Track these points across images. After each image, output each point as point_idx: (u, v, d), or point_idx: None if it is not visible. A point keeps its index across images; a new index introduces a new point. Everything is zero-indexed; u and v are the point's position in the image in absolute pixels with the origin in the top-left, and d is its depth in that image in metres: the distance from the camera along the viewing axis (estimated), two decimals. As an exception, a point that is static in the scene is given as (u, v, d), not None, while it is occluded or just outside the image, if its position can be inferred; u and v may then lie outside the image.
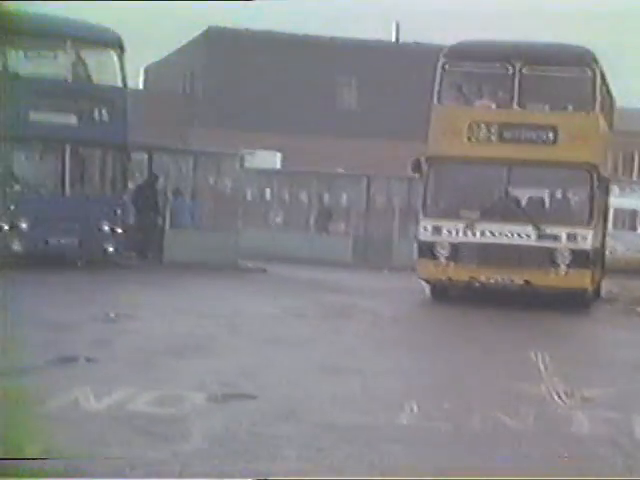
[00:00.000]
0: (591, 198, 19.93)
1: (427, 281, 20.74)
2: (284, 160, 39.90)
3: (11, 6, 18.84)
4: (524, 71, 19.97)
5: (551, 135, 19.97)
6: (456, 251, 19.89)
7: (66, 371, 11.57)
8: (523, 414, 10.21)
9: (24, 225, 21.78)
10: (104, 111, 23.23)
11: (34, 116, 21.98)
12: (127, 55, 23.98)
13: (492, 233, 19.80)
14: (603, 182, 20.37)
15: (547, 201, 21.55)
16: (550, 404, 10.92)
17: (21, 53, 23.55)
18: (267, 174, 35.42)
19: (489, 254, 19.71)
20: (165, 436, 8.94)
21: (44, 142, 22.82)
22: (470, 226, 19.83)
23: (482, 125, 20.17)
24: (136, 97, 29.01)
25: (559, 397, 11.18)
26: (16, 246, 21.66)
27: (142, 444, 8.66)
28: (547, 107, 20.95)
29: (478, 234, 19.87)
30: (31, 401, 9.77)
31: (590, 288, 20.29)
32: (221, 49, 45.81)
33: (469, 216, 19.98)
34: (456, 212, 20.25)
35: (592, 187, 19.79)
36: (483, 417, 10.02)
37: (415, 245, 21.21)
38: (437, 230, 20.08)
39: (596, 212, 20.23)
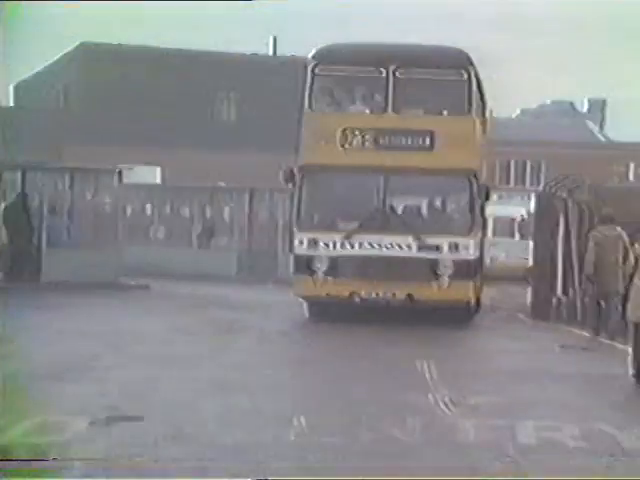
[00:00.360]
0: (471, 206, 19.24)
1: (305, 298, 19.53)
2: (164, 175, 39.60)
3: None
4: (398, 74, 19.12)
5: (428, 141, 19.16)
6: (334, 265, 18.85)
7: None
8: (410, 425, 10.24)
9: None
10: None
11: None
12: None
13: (371, 245, 18.85)
14: (482, 189, 19.41)
15: (427, 210, 20.58)
16: (437, 414, 10.98)
17: None
18: (147, 189, 35.04)
19: (369, 267, 18.79)
20: (44, 467, 8.72)
21: None
22: (347, 238, 18.87)
23: (356, 131, 19.18)
24: (7, 114, 28.39)
25: (446, 406, 11.25)
26: None
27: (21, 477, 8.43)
28: (423, 112, 20.01)
29: (357, 246, 18.90)
30: None
31: (473, 299, 19.66)
32: (94, 64, 45.35)
33: (346, 227, 19.14)
34: (332, 224, 19.40)
35: (472, 194, 19.09)
36: (371, 430, 10.00)
37: (291, 260, 20.09)
38: (313, 243, 18.96)
39: (477, 220, 19.47)
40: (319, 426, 10.08)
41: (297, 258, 19.31)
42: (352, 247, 18.88)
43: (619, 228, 18.05)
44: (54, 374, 12.96)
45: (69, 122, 45.08)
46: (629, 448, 9.57)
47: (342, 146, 19.09)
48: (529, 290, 22.34)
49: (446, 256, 18.69)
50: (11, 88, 51.36)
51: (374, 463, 8.41)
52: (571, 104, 66.11)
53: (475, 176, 19.05)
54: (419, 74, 19.65)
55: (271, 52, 51.48)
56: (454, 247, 18.75)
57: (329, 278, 18.83)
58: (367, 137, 19.15)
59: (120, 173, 27.97)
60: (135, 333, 17.23)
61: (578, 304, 19.47)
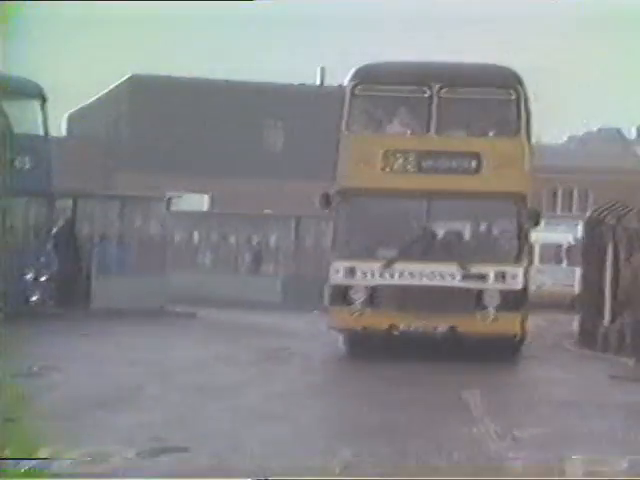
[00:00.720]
0: (519, 232, 17.85)
1: (341, 331, 18.38)
2: (212, 202, 39.78)
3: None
4: (442, 94, 17.99)
5: (473, 163, 17.90)
6: (372, 296, 17.59)
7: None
8: (456, 457, 10.14)
9: None
10: (26, 159, 23.24)
11: None
12: (49, 103, 24.15)
13: (412, 274, 17.52)
14: (532, 214, 18.03)
15: (471, 236, 19.30)
16: (483, 445, 10.87)
17: None
18: (195, 217, 35.34)
19: (409, 298, 17.43)
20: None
21: None
22: (387, 267, 17.58)
23: (397, 154, 18.03)
24: (59, 144, 28.67)
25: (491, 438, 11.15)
26: None
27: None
28: (468, 133, 18.87)
29: (397, 275, 17.60)
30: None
31: (520, 332, 18.02)
32: (144, 95, 45.67)
33: (386, 255, 17.85)
34: (371, 251, 18.17)
35: (519, 220, 17.74)
36: (418, 460, 9.92)
37: (326, 290, 18.53)
38: (350, 272, 17.68)
39: (524, 248, 18.09)
40: (364, 456, 10.03)
41: (333, 288, 18.06)
42: (392, 276, 17.66)
43: None
44: (100, 403, 12.97)
45: (119, 151, 45.46)
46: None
47: (382, 169, 18.01)
48: (576, 318, 22.10)
49: (492, 286, 17.37)
50: (65, 117, 52.02)
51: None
52: (618, 131, 65.56)
53: (523, 200, 17.78)
54: (464, 94, 18.62)
55: (318, 82, 51.56)
56: (501, 276, 17.41)
57: (367, 309, 17.58)
58: (409, 159, 18.06)
59: (169, 201, 28.38)
60: (181, 362, 17.25)
61: (627, 333, 19.21)
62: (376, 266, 17.59)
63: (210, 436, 11.14)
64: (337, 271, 17.83)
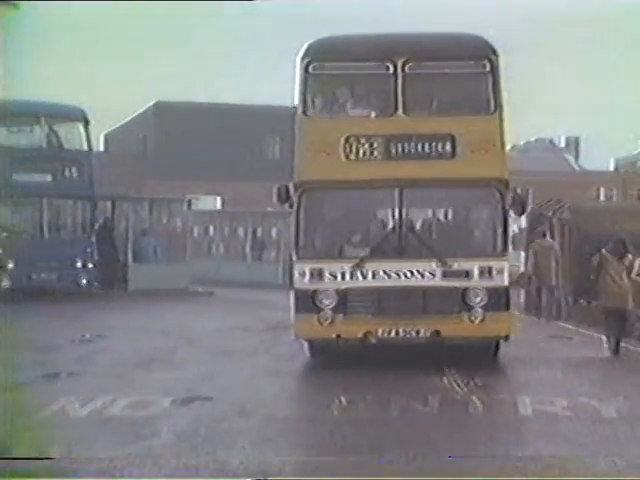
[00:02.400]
0: (504, 222, 13.03)
1: (311, 341, 13.16)
2: (223, 203, 39.94)
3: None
4: (408, 69, 13.29)
5: (448, 147, 13.11)
6: (344, 300, 12.67)
7: (52, 384, 11.37)
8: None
9: (11, 265, 21.89)
10: (74, 169, 23.61)
11: (16, 176, 22.23)
12: (91, 125, 24.39)
13: (387, 274, 12.72)
14: (517, 200, 13.24)
15: (451, 229, 14.22)
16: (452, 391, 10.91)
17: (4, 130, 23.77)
18: (210, 214, 35.43)
19: (386, 301, 12.70)
20: (137, 435, 8.78)
21: (25, 197, 22.84)
22: (359, 267, 12.67)
23: (361, 139, 13.13)
24: (99, 158, 28.91)
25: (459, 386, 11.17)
26: (4, 283, 21.69)
27: (120, 443, 8.48)
28: (439, 113, 13.88)
29: (370, 276, 12.73)
30: (27, 411, 9.57)
31: (510, 334, 13.02)
32: (167, 117, 45.97)
33: (356, 254, 12.92)
34: (340, 250, 13.18)
35: (503, 208, 12.99)
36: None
37: (291, 297, 13.19)
38: (318, 274, 12.75)
39: (508, 239, 13.33)
40: (356, 402, 10.11)
41: (298, 293, 12.85)
42: (364, 277, 12.75)
43: (551, 240, 19.49)
44: (140, 364, 13.04)
45: (147, 163, 45.64)
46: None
47: (346, 157, 13.02)
48: (522, 292, 22.12)
49: (477, 283, 12.67)
50: (102, 136, 52.07)
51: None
52: (551, 141, 65.80)
53: (506, 186, 13.06)
54: (433, 68, 13.80)
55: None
56: (487, 272, 12.75)
57: (339, 316, 12.67)
58: (375, 145, 13.13)
59: (189, 202, 28.50)
60: (204, 331, 17.26)
61: (562, 303, 19.35)
62: (346, 267, 12.74)
63: (230, 388, 11.17)
64: (302, 274, 12.80)
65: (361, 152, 13.07)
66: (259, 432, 8.89)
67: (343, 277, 12.69)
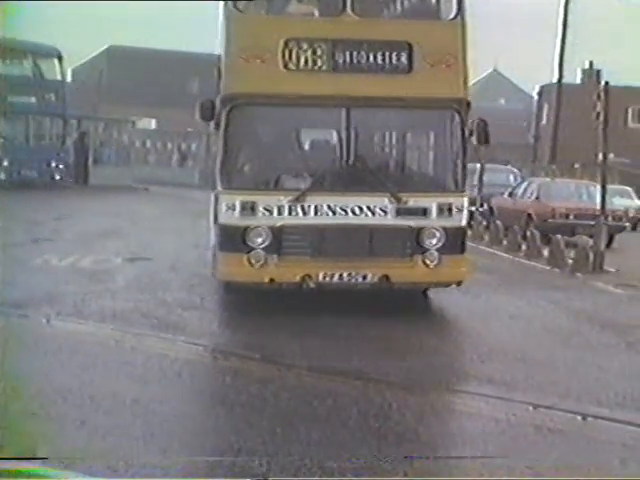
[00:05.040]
0: (464, 152, 7.99)
1: (239, 285, 8.03)
2: (157, 123, 39.58)
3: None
4: None
5: (404, 58, 7.87)
6: (279, 239, 7.76)
7: (38, 246, 11.58)
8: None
9: (5, 163, 22.26)
10: (51, 94, 23.66)
11: (10, 98, 22.24)
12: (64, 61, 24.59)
13: (331, 210, 7.79)
14: (480, 126, 8.01)
15: (405, 159, 8.85)
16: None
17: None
18: (147, 132, 35.41)
19: (328, 241, 7.81)
20: (100, 279, 9.20)
21: (16, 114, 22.76)
22: (298, 201, 7.71)
23: (303, 44, 7.81)
24: (68, 87, 28.66)
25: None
26: (1, 176, 22.00)
27: (87, 283, 8.90)
28: (394, 15, 8.92)
29: (311, 212, 7.77)
30: (21, 261, 9.84)
31: (464, 280, 8.16)
32: (118, 59, 45.28)
33: (296, 186, 7.85)
34: (276, 181, 8.01)
35: (464, 136, 7.94)
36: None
37: (214, 233, 8.33)
38: (249, 209, 7.75)
39: (467, 172, 8.24)
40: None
41: (224, 229, 7.85)
42: (305, 213, 7.77)
43: None
44: (99, 235, 13.17)
45: (102, 92, 44.74)
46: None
47: (285, 66, 7.77)
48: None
49: (435, 223, 7.88)
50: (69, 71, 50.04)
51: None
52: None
53: (468, 109, 7.93)
54: None
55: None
56: (446, 210, 7.94)
57: (272, 257, 7.75)
58: (319, 53, 7.83)
59: (133, 122, 29.20)
60: (144, 214, 17.44)
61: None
62: (284, 200, 7.72)
63: (164, 253, 11.37)
64: (230, 207, 7.73)
65: (302, 60, 7.78)
66: (183, 281, 9.23)
67: (280, 212, 7.71)
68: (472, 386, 5.86)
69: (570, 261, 12.13)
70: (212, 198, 8.22)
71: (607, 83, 12.46)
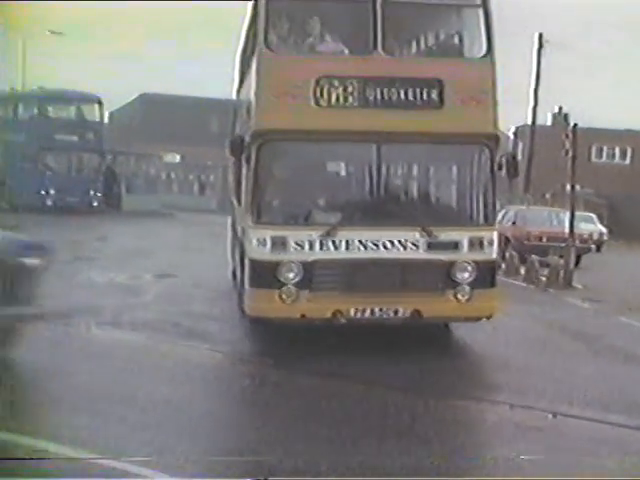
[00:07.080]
0: (494, 186, 6.98)
1: (269, 321, 6.78)
2: (182, 158, 40.30)
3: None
4: None
5: (435, 94, 6.79)
6: (311, 274, 6.61)
7: (80, 263, 11.62)
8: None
9: (52, 191, 22.87)
10: (91, 133, 24.31)
11: (57, 136, 23.12)
12: (104, 106, 25.45)
13: (363, 244, 6.66)
14: (509, 162, 7.09)
15: (436, 193, 7.51)
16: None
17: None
18: (172, 165, 36.08)
19: (360, 275, 6.65)
20: (134, 293, 9.26)
21: (61, 150, 23.43)
22: (330, 235, 6.61)
23: (335, 82, 6.70)
24: (106, 127, 29.39)
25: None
26: (49, 202, 22.57)
27: (123, 296, 8.95)
28: (425, 52, 7.98)
29: (343, 247, 6.64)
30: (66, 276, 9.89)
31: (494, 314, 7.02)
32: (148, 104, 45.51)
33: (326, 220, 6.74)
34: (306, 215, 6.87)
35: (494, 170, 6.95)
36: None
37: (245, 269, 6.94)
38: (280, 244, 6.58)
39: (496, 206, 7.19)
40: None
41: (255, 265, 6.73)
42: (336, 248, 6.69)
43: None
44: (132, 254, 13.11)
45: (134, 132, 45.49)
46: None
47: (316, 103, 6.71)
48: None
49: (466, 256, 6.83)
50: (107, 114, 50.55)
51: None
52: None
53: (498, 144, 7.03)
54: None
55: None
56: (477, 244, 6.90)
57: (304, 292, 6.63)
58: (350, 90, 6.77)
59: (160, 156, 30.18)
60: (169, 235, 17.28)
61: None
62: (315, 235, 6.72)
63: (188, 270, 11.26)
64: (261, 242, 6.73)
65: (333, 97, 6.84)
66: (206, 296, 9.24)
67: (311, 247, 6.72)
68: (459, 389, 5.90)
69: (543, 278, 12.24)
70: (229, 222, 8.73)
71: (575, 125, 12.59)
